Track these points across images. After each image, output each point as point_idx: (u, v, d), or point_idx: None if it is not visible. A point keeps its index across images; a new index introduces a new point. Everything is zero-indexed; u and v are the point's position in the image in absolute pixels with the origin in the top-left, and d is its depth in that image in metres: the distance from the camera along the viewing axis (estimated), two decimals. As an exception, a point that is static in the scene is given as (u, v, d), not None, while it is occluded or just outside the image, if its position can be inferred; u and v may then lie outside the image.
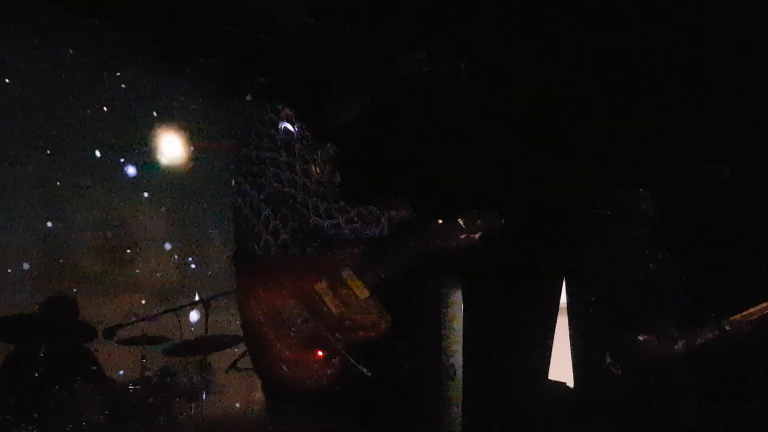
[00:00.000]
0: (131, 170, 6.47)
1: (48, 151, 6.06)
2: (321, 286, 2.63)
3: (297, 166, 2.69)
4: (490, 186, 4.79)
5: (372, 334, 2.64)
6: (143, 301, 6.07)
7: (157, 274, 6.46)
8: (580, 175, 4.81)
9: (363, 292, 2.68)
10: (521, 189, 4.91)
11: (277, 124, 2.73)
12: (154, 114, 6.52)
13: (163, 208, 6.62)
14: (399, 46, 2.97)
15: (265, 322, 2.50)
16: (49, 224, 6.05)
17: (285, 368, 2.48)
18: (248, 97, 6.49)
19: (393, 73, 2.94)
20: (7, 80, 5.90)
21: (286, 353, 2.48)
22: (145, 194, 6.53)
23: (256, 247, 2.70)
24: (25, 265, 5.85)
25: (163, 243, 6.62)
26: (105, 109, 6.34)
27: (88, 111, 6.24)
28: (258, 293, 2.54)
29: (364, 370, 2.52)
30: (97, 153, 6.31)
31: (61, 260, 5.99)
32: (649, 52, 4.47)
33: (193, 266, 6.68)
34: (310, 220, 2.67)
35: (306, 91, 2.89)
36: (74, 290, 5.51)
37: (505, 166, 4.92)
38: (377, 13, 4.38)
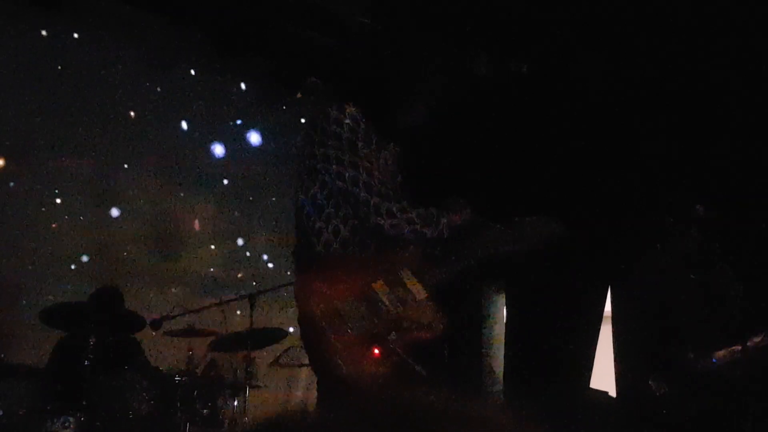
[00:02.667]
0: (185, 166, 6.55)
1: (103, 145, 6.16)
2: (379, 284, 2.66)
3: (360, 165, 2.72)
4: (547, 191, 4.78)
5: (428, 334, 2.66)
6: (190, 294, 6.15)
7: (206, 268, 6.54)
8: (634, 183, 4.78)
9: (421, 293, 2.71)
10: (574, 195, 4.89)
11: (342, 122, 2.76)
12: (207, 111, 6.59)
13: (213, 204, 6.70)
14: (463, 47, 2.99)
15: (323, 318, 2.54)
16: (115, 212, 6.15)
17: (341, 364, 2.51)
18: (298, 95, 6.54)
19: (457, 74, 2.96)
20: (61, 69, 5.99)
21: (343, 350, 2.51)
22: (197, 190, 6.61)
23: (316, 243, 2.73)
24: (84, 258, 5.96)
25: (212, 238, 6.70)
26: (158, 105, 6.43)
27: (142, 107, 6.33)
28: (317, 289, 2.58)
29: (421, 369, 2.54)
30: (145, 148, 6.40)
31: (113, 252, 6.08)
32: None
33: (239, 262, 6.75)
34: (371, 219, 2.70)
35: (370, 90, 2.92)
36: (124, 281, 5.59)
37: (563, 172, 4.91)
38: (440, 13, 4.39)
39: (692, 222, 3.84)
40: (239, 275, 6.63)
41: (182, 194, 6.51)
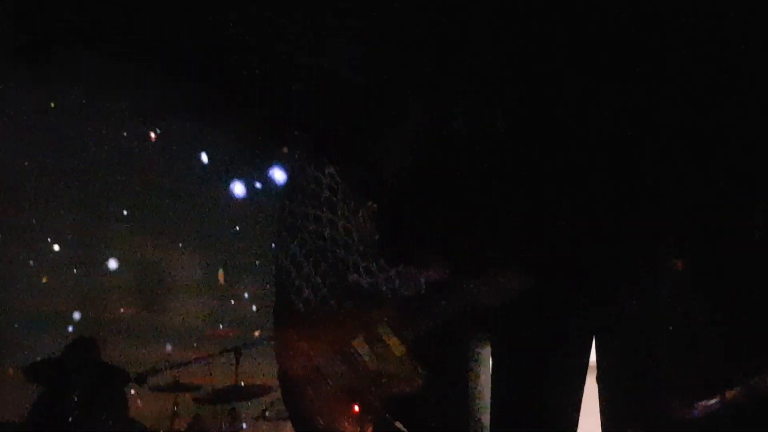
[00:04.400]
0: (166, 217, 6.57)
1: (83, 194, 6.18)
2: (358, 341, 2.69)
3: (339, 224, 2.77)
4: (523, 241, 4.82)
5: (407, 389, 2.68)
6: (173, 348, 6.13)
7: (188, 322, 6.53)
8: (615, 229, 4.82)
9: (399, 349, 2.73)
10: (555, 244, 4.93)
11: (321, 181, 2.80)
12: (192, 163, 6.64)
13: (197, 257, 6.72)
14: (440, 102, 3.04)
15: (302, 375, 2.56)
16: (103, 265, 6.15)
17: (321, 421, 2.53)
18: (285, 149, 6.60)
19: (433, 129, 3.01)
20: (49, 121, 6.03)
21: (323, 406, 2.53)
22: (180, 243, 6.63)
23: (296, 300, 2.76)
24: (76, 315, 5.96)
25: (195, 291, 6.70)
26: (143, 155, 6.47)
27: (128, 157, 6.37)
28: (297, 346, 2.61)
29: (400, 426, 2.56)
30: (131, 199, 6.43)
31: (95, 304, 6.08)
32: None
33: (225, 315, 6.74)
34: (350, 277, 2.74)
35: (347, 144, 2.96)
36: (109, 335, 5.57)
37: (540, 222, 4.95)
38: (416, 67, 4.46)
39: (673, 275, 3.89)
40: (224, 329, 6.62)
41: (168, 247, 6.53)
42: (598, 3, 4.06)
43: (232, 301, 6.81)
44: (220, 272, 6.78)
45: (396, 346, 2.74)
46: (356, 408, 2.57)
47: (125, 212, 6.36)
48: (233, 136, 6.88)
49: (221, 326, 6.64)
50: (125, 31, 5.59)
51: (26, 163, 5.89)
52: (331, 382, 2.57)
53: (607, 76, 4.58)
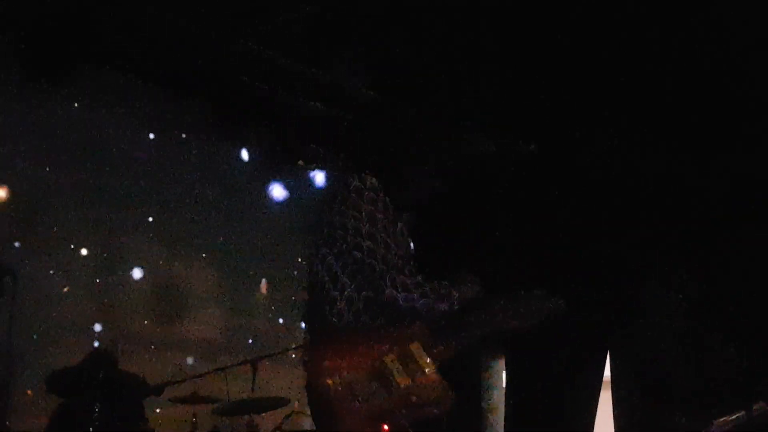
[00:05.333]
0: (182, 231, 6.61)
1: (100, 207, 6.23)
2: (391, 358, 2.69)
3: (378, 237, 2.76)
4: (549, 263, 4.86)
5: (436, 410, 2.69)
6: (191, 360, 6.17)
7: (206, 334, 6.56)
8: (631, 248, 4.86)
9: (430, 368, 2.73)
10: (576, 263, 4.97)
11: (362, 192, 2.81)
12: (215, 173, 6.68)
13: (214, 269, 6.76)
14: (464, 128, 3.09)
15: (333, 390, 2.57)
16: (121, 277, 6.20)
17: None
18: (300, 162, 6.66)
19: (461, 149, 3.04)
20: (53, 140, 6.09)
21: (353, 424, 2.54)
22: (203, 254, 6.67)
23: (329, 312, 2.77)
24: (96, 327, 5.99)
25: (213, 303, 6.74)
26: (156, 170, 6.52)
27: (141, 171, 6.42)
28: (330, 360, 2.61)
29: None
30: (149, 212, 6.48)
31: (115, 315, 6.12)
32: None
33: (242, 327, 6.78)
34: (387, 291, 2.73)
35: (383, 161, 2.99)
36: (127, 346, 5.61)
37: (565, 243, 4.99)
38: (441, 87, 4.52)
39: (686, 291, 3.92)
40: (242, 340, 6.65)
41: (184, 259, 6.57)
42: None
43: (251, 317, 6.85)
44: (264, 283, 6.82)
45: (426, 365, 2.73)
46: (386, 428, 2.58)
47: (150, 219, 6.40)
48: (257, 147, 6.92)
49: (240, 338, 6.67)
50: (140, 45, 5.65)
51: (47, 170, 5.95)
52: (361, 399, 2.58)
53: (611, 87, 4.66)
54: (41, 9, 5.00)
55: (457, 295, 2.85)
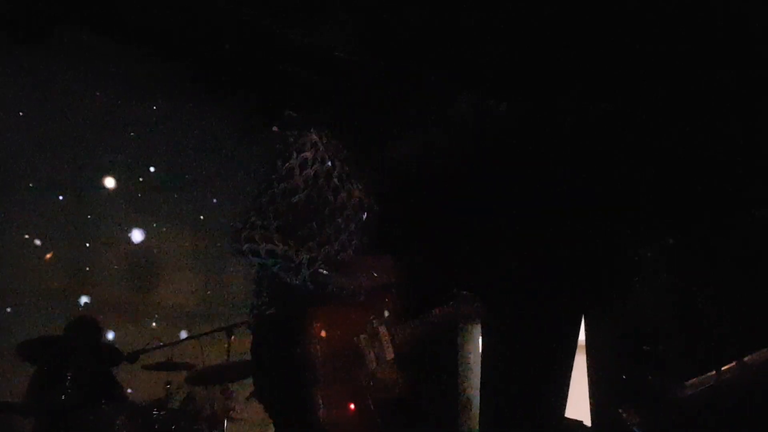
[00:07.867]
0: (157, 198, 6.57)
1: (82, 178, 6.19)
2: (364, 337, 2.71)
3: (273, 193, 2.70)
4: (522, 228, 4.85)
5: (389, 395, 2.69)
6: (166, 327, 6.14)
7: (182, 300, 6.54)
8: (605, 211, 4.86)
9: (390, 353, 2.76)
10: (544, 227, 4.96)
11: (302, 148, 2.76)
12: (186, 142, 6.62)
13: (189, 235, 6.72)
14: (444, 87, 3.04)
15: (306, 357, 2.52)
16: (93, 245, 6.16)
17: (322, 414, 2.49)
18: (274, 128, 6.59)
19: (442, 114, 3.00)
20: (32, 106, 6.02)
21: (327, 400, 2.50)
22: (178, 221, 6.63)
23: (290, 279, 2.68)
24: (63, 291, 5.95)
25: (189, 270, 6.71)
26: (133, 135, 6.46)
27: (116, 137, 6.36)
28: (304, 327, 2.56)
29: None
30: (123, 179, 6.43)
31: (91, 285, 6.09)
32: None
33: (216, 294, 6.76)
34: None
35: (346, 124, 2.94)
36: (101, 314, 5.58)
37: (537, 203, 4.97)
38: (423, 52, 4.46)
39: (664, 253, 3.91)
40: (216, 307, 6.63)
41: (159, 226, 6.53)
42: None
43: (224, 284, 6.83)
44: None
45: (388, 349, 2.76)
46: (352, 407, 2.56)
47: (126, 187, 6.34)
48: (228, 115, 6.86)
49: (215, 306, 6.65)
50: (119, 11, 5.58)
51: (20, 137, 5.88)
52: (340, 375, 2.56)
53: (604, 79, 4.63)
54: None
55: (307, 257, 2.64)
